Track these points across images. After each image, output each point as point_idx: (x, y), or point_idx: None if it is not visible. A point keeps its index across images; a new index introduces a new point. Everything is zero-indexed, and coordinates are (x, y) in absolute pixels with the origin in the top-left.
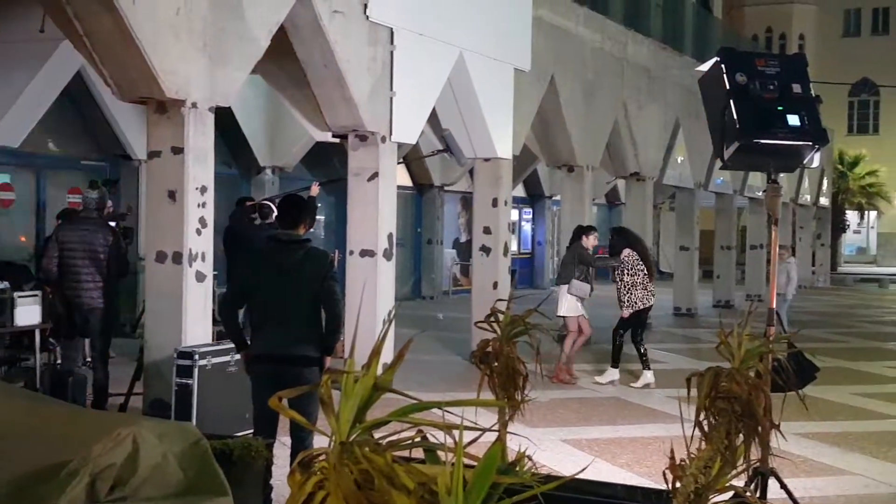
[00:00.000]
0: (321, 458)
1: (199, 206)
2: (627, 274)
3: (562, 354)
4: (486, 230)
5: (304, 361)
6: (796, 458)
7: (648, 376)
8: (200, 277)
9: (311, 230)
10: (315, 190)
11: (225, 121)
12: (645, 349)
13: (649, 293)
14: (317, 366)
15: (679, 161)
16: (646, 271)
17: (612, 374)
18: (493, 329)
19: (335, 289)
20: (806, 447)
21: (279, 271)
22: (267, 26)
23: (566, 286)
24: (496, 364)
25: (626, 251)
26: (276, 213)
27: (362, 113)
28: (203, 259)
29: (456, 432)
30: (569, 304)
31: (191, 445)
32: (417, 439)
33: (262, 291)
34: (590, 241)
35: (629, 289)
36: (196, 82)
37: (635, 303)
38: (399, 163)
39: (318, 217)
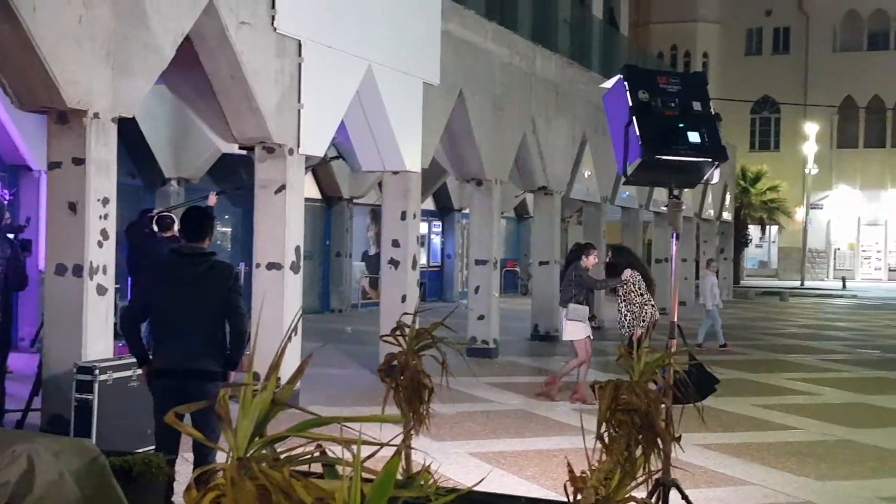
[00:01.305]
0: (219, 473)
1: (100, 217)
2: (636, 294)
3: (577, 375)
4: (395, 243)
5: (206, 376)
6: (698, 469)
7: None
8: (102, 291)
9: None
10: (213, 200)
11: (129, 131)
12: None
13: (654, 309)
14: (220, 380)
15: (586, 175)
16: (648, 290)
17: None
18: (399, 342)
19: (239, 303)
20: (707, 458)
21: (182, 284)
22: (172, 36)
23: (565, 310)
24: (402, 378)
25: (628, 272)
26: (177, 225)
27: (269, 125)
28: (104, 272)
29: (354, 447)
30: (572, 328)
31: (89, 462)
32: (317, 454)
33: (165, 305)
34: (590, 261)
35: (638, 308)
36: (98, 92)
37: (645, 319)
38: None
39: (224, 229)
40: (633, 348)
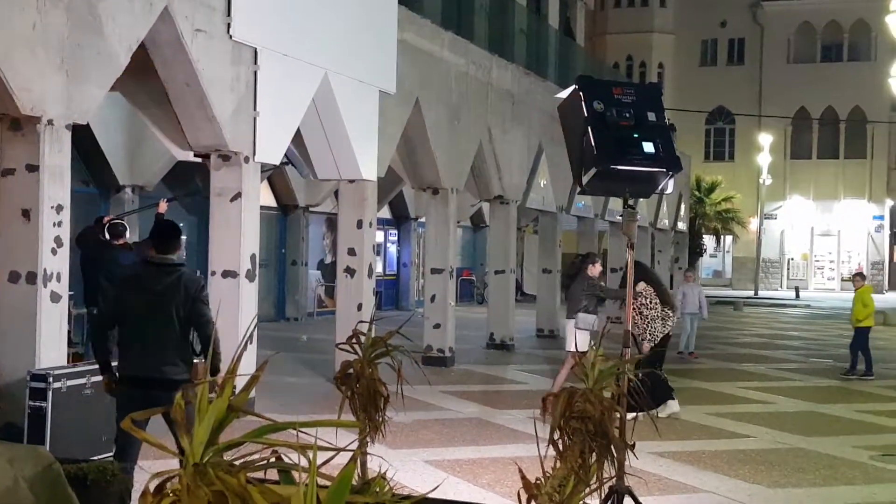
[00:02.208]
0: (175, 479)
1: (54, 225)
2: (646, 308)
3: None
4: (351, 251)
5: (171, 385)
6: (651, 476)
7: (672, 405)
8: (55, 298)
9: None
10: (163, 207)
11: (83, 138)
12: (665, 377)
13: (667, 323)
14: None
15: (542, 185)
16: (660, 302)
17: (672, 405)
18: (355, 351)
19: (203, 311)
20: (661, 466)
21: (150, 294)
22: (127, 43)
23: (573, 320)
24: (357, 385)
25: (642, 285)
26: (129, 233)
27: (225, 133)
28: (58, 279)
29: (310, 453)
30: (579, 339)
31: (43, 470)
32: (272, 460)
33: (133, 313)
34: (595, 270)
35: (649, 322)
36: (52, 99)
37: (656, 336)
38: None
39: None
40: (650, 365)
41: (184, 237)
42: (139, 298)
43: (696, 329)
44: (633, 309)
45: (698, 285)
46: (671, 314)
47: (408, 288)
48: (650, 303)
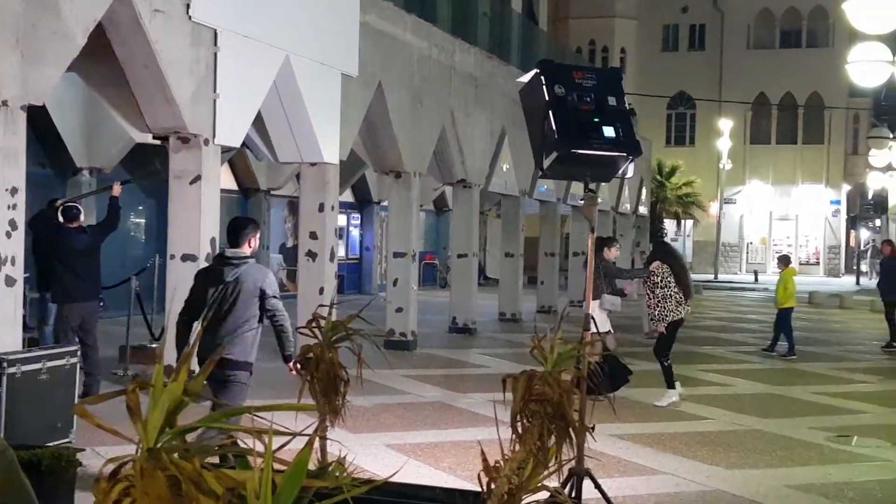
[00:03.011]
0: (129, 465)
1: (9, 207)
2: (659, 287)
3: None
4: (313, 235)
5: (228, 365)
6: (611, 458)
7: (672, 393)
8: (10, 282)
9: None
10: (117, 190)
11: (39, 120)
12: (669, 364)
13: (680, 307)
14: (242, 370)
15: (505, 169)
16: (678, 287)
17: (672, 394)
18: (316, 335)
19: (275, 304)
20: (620, 448)
21: (220, 285)
22: (84, 23)
23: (597, 302)
24: (317, 370)
25: (656, 263)
26: (82, 215)
27: (184, 115)
28: (13, 263)
29: (266, 437)
30: (604, 319)
31: None
32: (228, 445)
33: (205, 301)
34: (612, 253)
35: (661, 301)
36: (7, 80)
37: (666, 316)
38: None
39: (138, 220)
40: (661, 348)
41: (138, 216)
42: (211, 289)
43: None
44: (647, 287)
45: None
46: (684, 299)
47: (370, 272)
48: (662, 281)
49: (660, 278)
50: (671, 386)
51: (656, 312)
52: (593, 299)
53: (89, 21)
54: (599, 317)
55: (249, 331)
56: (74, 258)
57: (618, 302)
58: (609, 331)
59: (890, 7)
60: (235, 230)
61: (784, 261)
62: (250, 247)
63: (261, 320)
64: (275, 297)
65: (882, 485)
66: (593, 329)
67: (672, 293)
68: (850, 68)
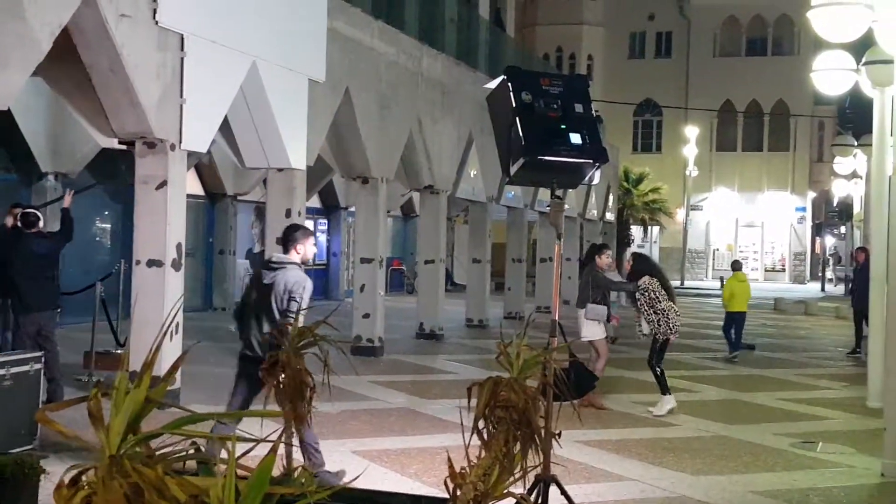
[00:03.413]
0: (90, 471)
1: None
2: (657, 302)
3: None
4: (280, 241)
5: (248, 359)
6: (577, 465)
7: (668, 401)
8: None
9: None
10: (67, 201)
11: (4, 125)
12: (661, 371)
13: (679, 316)
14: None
15: (472, 175)
16: (668, 296)
17: (668, 400)
18: (282, 341)
19: (290, 306)
20: (586, 454)
21: (261, 287)
22: (49, 28)
23: (583, 310)
24: (284, 376)
25: (646, 279)
26: (41, 221)
27: (151, 120)
28: None
29: (229, 444)
30: (591, 328)
31: None
32: (192, 451)
33: (251, 303)
34: (602, 261)
35: (664, 315)
36: None
37: (676, 326)
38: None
39: (104, 225)
40: (654, 357)
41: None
42: (255, 291)
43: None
44: (645, 303)
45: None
46: (674, 306)
47: (337, 277)
48: (659, 296)
49: (656, 293)
50: (666, 392)
51: (668, 327)
52: (579, 307)
53: (55, 25)
54: (590, 325)
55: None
56: (33, 263)
57: (603, 312)
58: (606, 336)
59: (854, 16)
60: (284, 236)
61: (732, 266)
62: (298, 252)
63: (285, 316)
64: (295, 300)
65: (846, 491)
66: (593, 337)
67: (671, 305)
68: (815, 76)
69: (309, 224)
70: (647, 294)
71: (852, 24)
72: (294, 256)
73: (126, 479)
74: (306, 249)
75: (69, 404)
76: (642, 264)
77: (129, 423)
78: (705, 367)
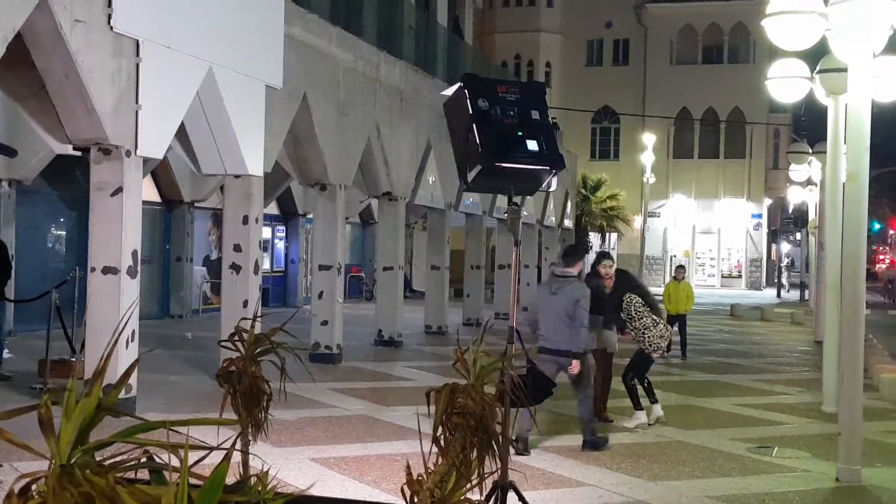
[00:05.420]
0: (41, 481)
1: None
2: (633, 319)
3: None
4: (237, 248)
5: (562, 353)
6: (535, 470)
7: (657, 409)
8: None
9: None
10: None
11: None
12: (649, 382)
13: (667, 330)
14: (571, 357)
15: (431, 182)
16: (651, 312)
17: (641, 416)
18: (238, 348)
19: (579, 315)
20: (545, 460)
21: (551, 295)
22: (2, 33)
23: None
24: (240, 383)
25: (627, 297)
26: None
27: (106, 126)
28: None
29: (182, 451)
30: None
31: None
32: (144, 460)
33: (543, 307)
34: (602, 272)
35: (642, 332)
36: None
37: (659, 344)
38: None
39: (59, 232)
40: (630, 371)
41: (53, 228)
42: (546, 298)
43: None
44: (625, 320)
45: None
46: (658, 321)
47: (296, 284)
48: (635, 314)
49: (637, 310)
50: (639, 407)
51: (647, 344)
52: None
53: (8, 30)
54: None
55: (572, 329)
56: None
57: (594, 321)
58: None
59: (808, 24)
60: (565, 255)
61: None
62: (577, 269)
63: (574, 321)
64: (582, 308)
65: (801, 495)
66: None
67: (650, 322)
68: (769, 84)
69: (266, 231)
70: (625, 312)
71: (806, 33)
72: (573, 271)
73: (77, 489)
74: (583, 266)
75: (20, 412)
76: (624, 282)
77: (80, 431)
78: (661, 373)
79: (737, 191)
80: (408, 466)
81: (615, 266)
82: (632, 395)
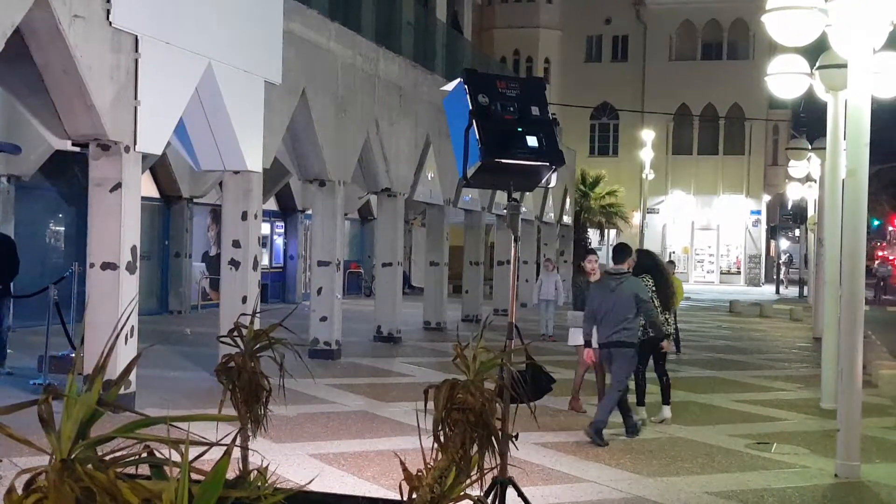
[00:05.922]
0: (42, 476)
1: None
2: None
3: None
4: (236, 244)
5: (620, 345)
6: (535, 466)
7: (666, 411)
8: None
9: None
10: None
11: None
12: (667, 379)
13: (660, 322)
14: (629, 348)
15: (430, 178)
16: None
17: (666, 410)
18: (236, 344)
19: (648, 308)
20: (544, 456)
21: (608, 292)
22: (1, 28)
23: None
24: (239, 379)
25: (643, 277)
26: None
27: (104, 121)
28: None
29: (182, 447)
30: (573, 336)
31: None
32: (144, 455)
33: (599, 304)
34: (586, 267)
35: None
36: None
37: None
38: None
39: (58, 228)
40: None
41: (52, 224)
42: (602, 295)
43: (553, 314)
44: None
45: (556, 274)
46: (661, 312)
47: (294, 281)
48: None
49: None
50: (667, 402)
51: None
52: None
53: (7, 26)
54: (574, 332)
55: (631, 321)
56: None
57: (579, 317)
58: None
59: (808, 20)
60: (616, 254)
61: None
62: (627, 266)
63: (637, 314)
64: (644, 300)
65: (800, 491)
66: (575, 343)
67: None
68: (769, 80)
69: (265, 227)
70: None
71: (806, 29)
72: (625, 268)
73: (78, 483)
74: (632, 262)
75: (20, 407)
76: (644, 260)
77: (80, 426)
78: None
79: (736, 187)
80: (402, 462)
81: (634, 255)
82: (664, 389)
